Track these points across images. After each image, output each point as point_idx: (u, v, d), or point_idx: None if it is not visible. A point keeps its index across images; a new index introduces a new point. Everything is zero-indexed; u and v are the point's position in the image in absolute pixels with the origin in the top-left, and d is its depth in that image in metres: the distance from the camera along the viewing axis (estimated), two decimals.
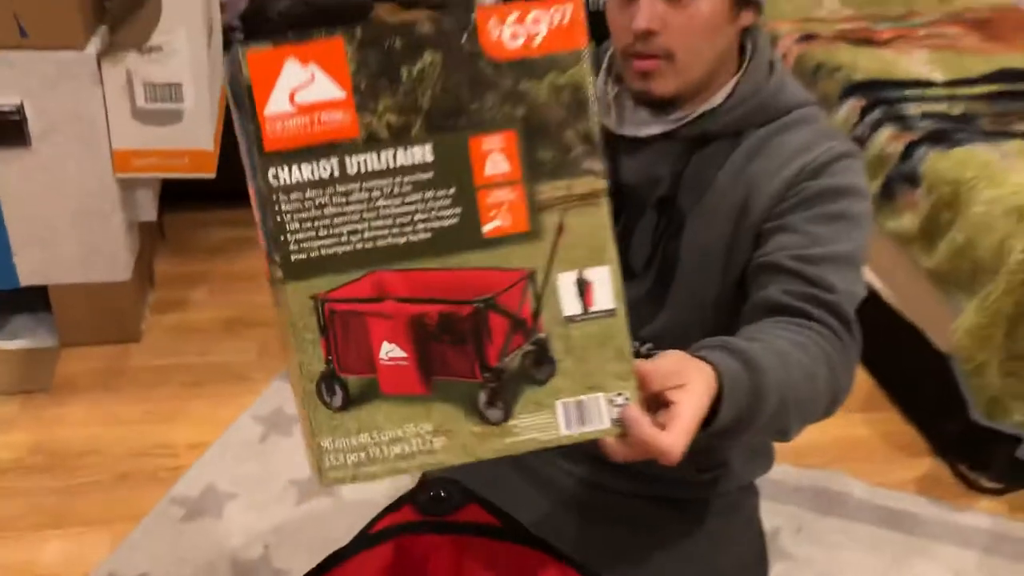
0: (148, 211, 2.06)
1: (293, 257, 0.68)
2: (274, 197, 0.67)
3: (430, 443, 0.71)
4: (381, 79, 0.66)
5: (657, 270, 1.09)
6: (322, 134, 0.67)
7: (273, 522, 1.66)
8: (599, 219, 0.68)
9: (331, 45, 0.66)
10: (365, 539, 0.89)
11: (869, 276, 2.11)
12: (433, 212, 0.68)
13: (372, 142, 0.67)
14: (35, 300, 2.13)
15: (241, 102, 0.66)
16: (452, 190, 0.68)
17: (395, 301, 0.70)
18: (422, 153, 0.67)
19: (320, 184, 0.67)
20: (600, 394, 0.71)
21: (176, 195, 2.34)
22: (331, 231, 0.69)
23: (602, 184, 0.67)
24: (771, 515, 1.68)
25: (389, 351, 0.72)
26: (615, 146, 1.09)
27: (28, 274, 1.98)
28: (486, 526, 0.90)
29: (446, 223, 0.69)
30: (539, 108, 0.67)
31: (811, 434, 1.96)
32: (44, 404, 1.92)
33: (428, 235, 0.69)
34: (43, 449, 1.81)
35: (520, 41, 0.66)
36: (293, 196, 0.67)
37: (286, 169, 0.67)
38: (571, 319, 0.70)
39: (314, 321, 0.70)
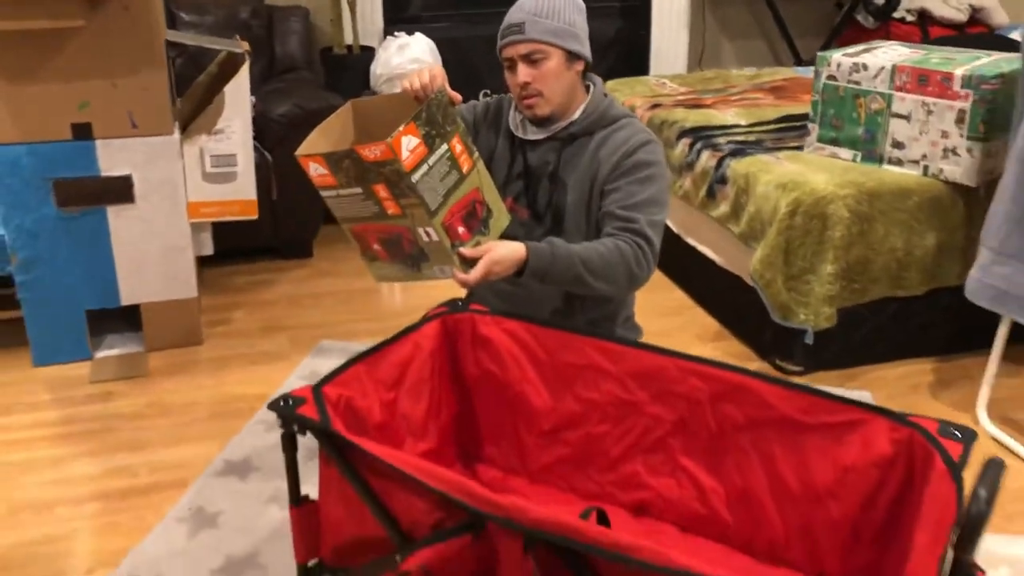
0: (207, 247, 2.92)
1: (337, 216, 1.75)
2: (324, 202, 1.73)
3: (396, 274, 1.78)
4: (337, 167, 1.65)
5: (552, 216, 2.01)
6: (326, 183, 1.69)
7: None
8: (423, 211, 1.63)
9: (318, 158, 1.67)
10: (424, 319, 1.76)
11: (708, 252, 3.08)
12: (369, 207, 1.70)
13: (341, 186, 1.68)
14: (119, 322, 2.94)
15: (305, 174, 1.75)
16: (372, 201, 1.67)
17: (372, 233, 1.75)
18: (358, 190, 1.67)
19: (333, 197, 1.71)
20: (447, 265, 1.71)
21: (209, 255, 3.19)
22: (342, 211, 1.74)
23: (418, 200, 1.63)
24: None
25: (376, 246, 1.76)
26: (524, 146, 2.03)
27: (127, 296, 2.80)
28: (485, 311, 1.78)
29: (375, 210, 1.68)
30: (389, 176, 1.61)
31: None
32: (146, 383, 2.72)
33: (370, 214, 1.70)
34: (155, 405, 2.60)
35: (373, 155, 1.59)
36: (328, 201, 1.73)
37: (322, 193, 1.71)
38: (427, 243, 1.69)
39: (352, 237, 1.76)
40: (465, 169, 1.73)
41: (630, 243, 1.84)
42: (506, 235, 1.83)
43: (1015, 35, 3.89)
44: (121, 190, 2.67)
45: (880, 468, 1.42)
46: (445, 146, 1.68)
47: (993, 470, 1.18)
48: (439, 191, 1.66)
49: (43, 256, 2.68)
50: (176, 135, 2.70)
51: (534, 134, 2.01)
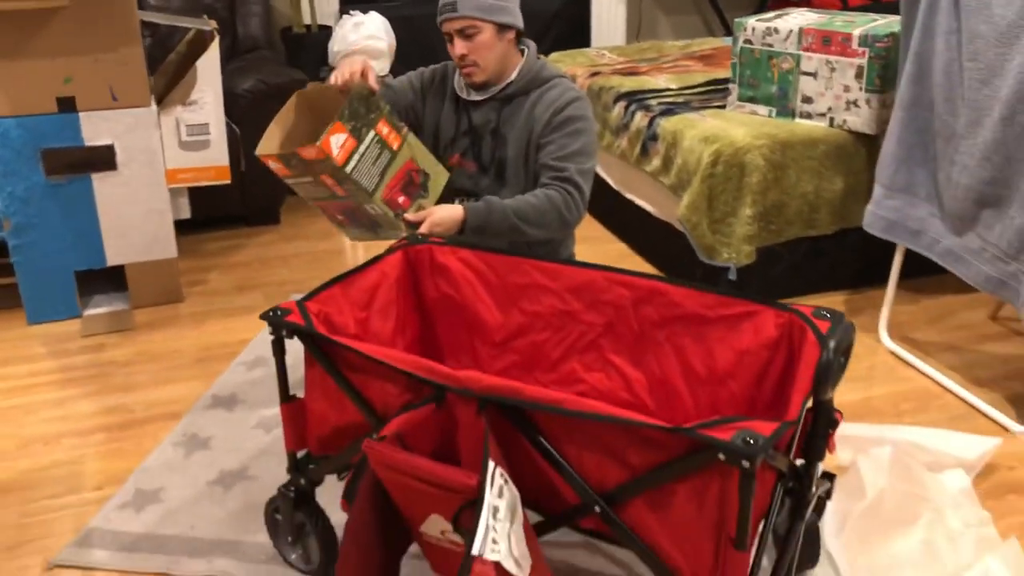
0: (184, 211, 3.16)
1: (301, 195, 2.08)
2: (288, 189, 2.20)
3: (362, 235, 2.13)
4: (288, 163, 1.99)
5: (496, 168, 2.30)
6: (284, 174, 2.03)
7: None
8: (363, 193, 2.00)
9: (272, 157, 2.00)
10: (388, 251, 2.04)
11: (643, 204, 3.39)
12: (322, 190, 2.04)
13: (296, 176, 2.02)
14: (105, 283, 3.18)
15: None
16: (323, 187, 2.01)
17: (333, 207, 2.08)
18: (309, 179, 2.01)
19: (293, 183, 2.06)
20: (400, 231, 2.03)
21: (182, 223, 3.42)
22: (304, 192, 2.08)
23: (356, 186, 1.99)
24: None
25: (340, 216, 2.09)
26: (468, 106, 2.30)
27: (112, 257, 3.04)
28: (442, 242, 2.07)
29: (328, 193, 2.03)
30: (327, 169, 1.95)
31: None
32: (134, 335, 2.97)
33: (325, 195, 2.04)
34: (144, 353, 2.85)
35: (311, 155, 1.93)
36: (291, 185, 2.07)
37: (284, 180, 2.05)
38: (375, 215, 2.02)
39: (320, 211, 2.10)
40: (395, 147, 2.05)
41: (560, 191, 2.13)
42: (457, 186, 2.12)
43: None
44: (104, 158, 2.90)
45: (768, 349, 1.73)
46: (372, 132, 1.99)
47: (843, 327, 1.49)
48: (374, 173, 1.99)
49: (34, 221, 2.91)
50: (153, 107, 2.93)
51: (476, 95, 2.29)
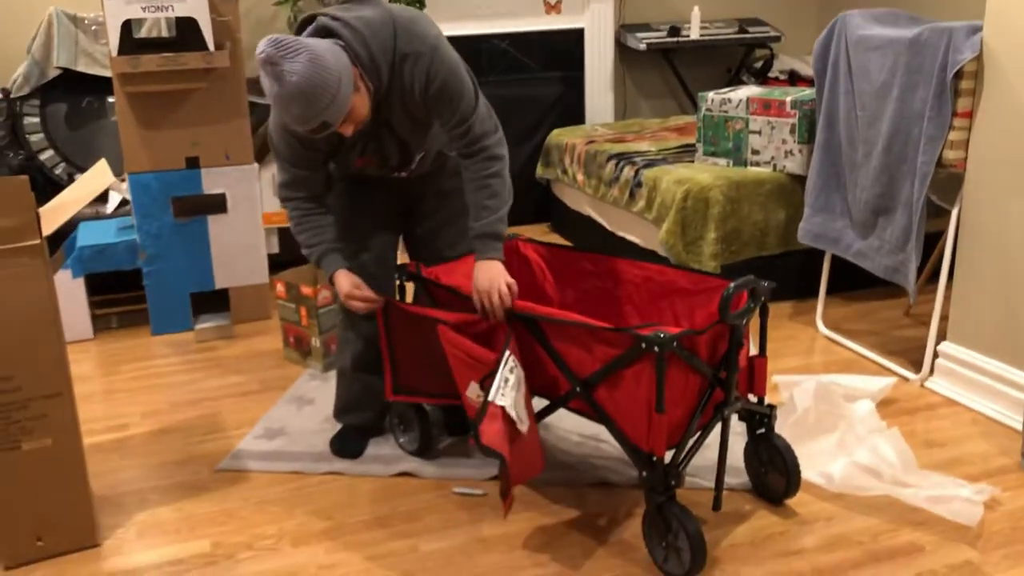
0: (274, 247, 4.03)
1: (279, 315, 2.86)
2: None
3: (293, 356, 2.87)
4: (289, 291, 2.68)
5: (398, 147, 2.42)
6: (282, 297, 2.79)
7: None
8: (317, 327, 3.43)
9: (283, 282, 2.70)
10: None
11: (632, 238, 4.27)
12: (293, 315, 2.90)
13: (287, 300, 2.83)
14: (208, 303, 4.02)
15: None
16: (296, 313, 2.90)
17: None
18: (293, 305, 2.88)
19: (283, 305, 2.91)
20: (319, 366, 2.88)
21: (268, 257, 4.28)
22: (283, 312, 2.87)
23: (317, 315, 2.87)
24: None
25: (291, 339, 2.86)
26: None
27: (219, 281, 3.88)
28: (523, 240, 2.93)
29: (296, 318, 2.90)
30: (310, 303, 2.74)
31: None
32: (239, 341, 3.79)
33: (294, 319, 2.78)
34: (250, 351, 3.67)
35: (307, 291, 2.58)
36: (280, 306, 2.84)
37: (277, 300, 2.81)
38: (313, 346, 2.84)
39: (281, 328, 2.88)
40: None
41: (482, 161, 2.40)
42: (370, 174, 2.61)
43: None
44: (218, 204, 3.78)
45: None
46: (339, 303, 2.85)
47: (747, 280, 2.28)
48: (328, 322, 3.28)
49: (163, 253, 3.77)
50: (255, 165, 3.83)
51: None
